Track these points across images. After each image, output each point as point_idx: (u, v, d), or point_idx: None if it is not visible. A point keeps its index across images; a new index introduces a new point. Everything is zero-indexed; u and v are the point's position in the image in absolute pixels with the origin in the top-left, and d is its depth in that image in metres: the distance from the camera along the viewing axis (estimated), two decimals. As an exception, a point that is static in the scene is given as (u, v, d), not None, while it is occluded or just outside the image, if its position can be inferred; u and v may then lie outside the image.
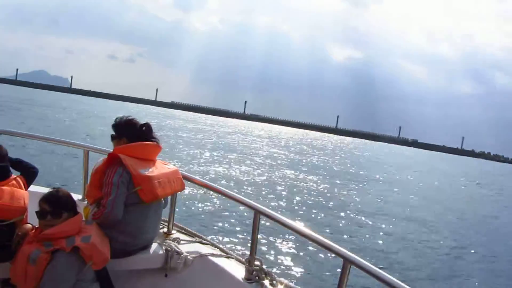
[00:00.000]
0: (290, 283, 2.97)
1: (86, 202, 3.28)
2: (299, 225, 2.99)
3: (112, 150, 3.08)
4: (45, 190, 3.02)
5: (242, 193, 14.84)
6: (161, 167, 3.16)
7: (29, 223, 2.86)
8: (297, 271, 9.11)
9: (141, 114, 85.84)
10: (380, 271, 2.24)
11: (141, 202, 2.93)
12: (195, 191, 13.66)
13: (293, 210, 15.29)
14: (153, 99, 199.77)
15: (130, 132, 3.13)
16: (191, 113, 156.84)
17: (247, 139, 57.54)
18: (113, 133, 3.17)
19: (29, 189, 3.09)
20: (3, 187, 2.75)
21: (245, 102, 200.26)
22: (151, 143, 3.14)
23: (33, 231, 2.72)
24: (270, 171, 25.40)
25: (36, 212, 2.63)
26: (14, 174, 3.04)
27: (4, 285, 2.75)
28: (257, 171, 24.52)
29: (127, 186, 2.88)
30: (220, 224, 11.61)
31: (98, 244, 2.58)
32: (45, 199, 2.65)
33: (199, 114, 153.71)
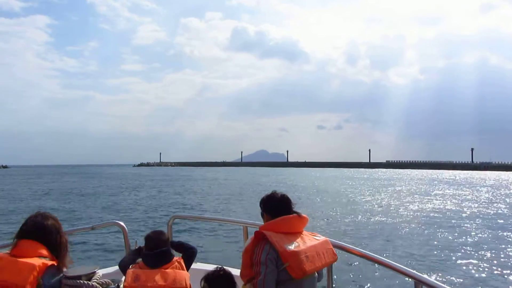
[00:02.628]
0: None
1: None
2: None
3: None
4: (211, 267, 3.42)
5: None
6: (308, 240, 3.06)
7: None
8: None
9: (354, 176, 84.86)
10: None
11: (292, 279, 2.86)
12: (352, 260, 12.33)
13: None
14: (367, 161, 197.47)
15: (269, 207, 3.21)
16: (409, 170, 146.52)
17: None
18: (261, 210, 3.28)
19: (196, 266, 3.57)
20: (167, 270, 3.01)
21: (472, 149, 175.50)
22: (294, 215, 3.10)
23: None
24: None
25: None
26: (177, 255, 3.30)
27: None
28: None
29: (275, 263, 2.87)
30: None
31: None
32: (205, 278, 3.12)
33: (417, 171, 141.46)
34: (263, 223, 3.25)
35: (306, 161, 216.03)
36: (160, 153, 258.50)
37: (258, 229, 3.10)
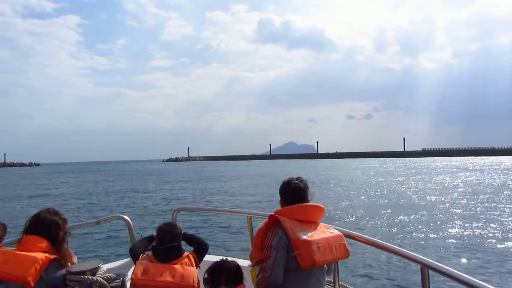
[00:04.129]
0: None
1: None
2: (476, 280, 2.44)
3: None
4: (215, 259, 3.23)
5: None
6: (322, 231, 3.03)
7: None
8: None
9: (388, 168, 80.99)
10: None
11: (301, 268, 2.88)
12: (364, 250, 11.75)
13: None
14: (401, 150, 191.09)
15: (284, 193, 3.18)
16: (448, 158, 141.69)
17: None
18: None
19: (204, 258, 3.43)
20: (175, 265, 3.05)
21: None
22: (312, 204, 3.10)
23: None
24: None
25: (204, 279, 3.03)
26: (188, 250, 3.31)
27: None
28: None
29: (286, 249, 2.89)
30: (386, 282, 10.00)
31: None
32: (208, 270, 3.07)
33: (456, 158, 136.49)
34: (268, 214, 3.30)
35: (337, 151, 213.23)
36: (189, 148, 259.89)
37: (265, 218, 3.20)
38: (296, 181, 3.17)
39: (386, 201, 26.19)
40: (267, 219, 3.06)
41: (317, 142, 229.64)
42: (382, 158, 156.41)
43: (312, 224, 3.03)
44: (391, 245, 3.14)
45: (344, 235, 3.16)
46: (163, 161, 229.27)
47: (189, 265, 3.12)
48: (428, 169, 68.93)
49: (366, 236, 3.37)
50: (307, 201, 3.11)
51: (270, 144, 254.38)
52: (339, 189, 35.31)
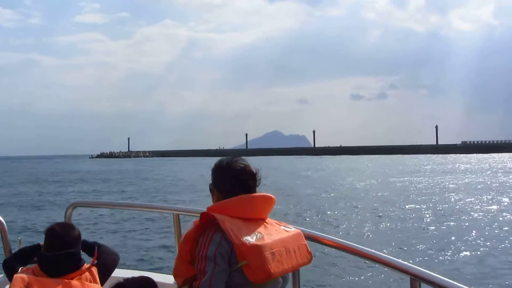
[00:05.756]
0: None
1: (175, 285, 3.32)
2: None
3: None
4: (131, 274, 3.48)
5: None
6: (275, 231, 3.00)
7: None
8: None
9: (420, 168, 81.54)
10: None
11: (250, 284, 2.80)
12: (328, 254, 12.85)
13: None
14: (434, 143, 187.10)
15: (221, 181, 3.10)
16: (499, 154, 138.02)
17: None
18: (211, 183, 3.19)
19: (112, 273, 3.54)
20: (72, 281, 3.09)
21: None
22: (259, 194, 3.04)
23: None
24: None
25: None
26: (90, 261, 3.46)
27: None
28: None
29: (228, 260, 2.81)
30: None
31: None
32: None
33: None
34: (201, 209, 3.25)
35: (342, 145, 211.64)
36: (129, 139, 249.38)
37: (196, 215, 3.45)
38: (241, 162, 3.11)
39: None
40: (197, 220, 2.96)
41: (314, 132, 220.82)
42: (404, 155, 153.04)
43: (260, 221, 2.97)
44: (368, 250, 3.30)
45: (309, 238, 3.29)
46: (91, 157, 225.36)
47: (91, 281, 3.20)
48: None
49: (332, 237, 3.54)
50: (254, 191, 3.04)
51: (246, 134, 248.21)
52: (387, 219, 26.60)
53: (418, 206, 30.38)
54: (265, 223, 2.98)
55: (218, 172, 3.10)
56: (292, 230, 3.07)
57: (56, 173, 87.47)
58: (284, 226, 3.08)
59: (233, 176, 3.02)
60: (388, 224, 23.56)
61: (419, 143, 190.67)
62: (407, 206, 30.41)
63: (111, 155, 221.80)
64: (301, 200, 34.54)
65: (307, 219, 26.05)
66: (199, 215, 2.97)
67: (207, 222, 2.86)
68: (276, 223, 3.08)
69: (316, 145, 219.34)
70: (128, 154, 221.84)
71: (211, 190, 3.15)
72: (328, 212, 28.31)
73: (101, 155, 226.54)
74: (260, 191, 3.07)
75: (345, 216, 26.56)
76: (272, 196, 3.04)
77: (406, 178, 55.02)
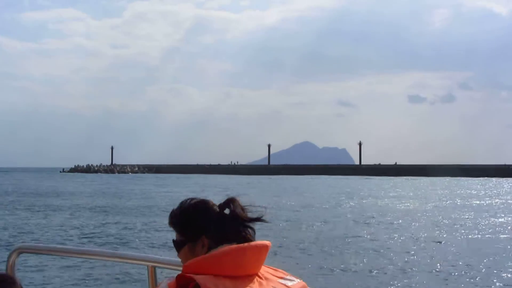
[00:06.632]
0: None
1: None
2: None
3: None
4: None
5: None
6: (271, 287, 2.79)
7: None
8: None
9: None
10: None
11: None
12: None
13: None
14: None
15: (196, 230, 2.90)
16: None
17: None
18: (175, 235, 3.03)
19: None
20: None
21: None
22: (249, 244, 2.77)
23: None
24: None
25: None
26: None
27: None
28: None
29: None
30: None
31: None
32: None
33: None
34: (180, 260, 3.08)
35: (397, 163, 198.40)
36: (112, 148, 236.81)
37: (175, 269, 3.39)
38: (231, 201, 2.94)
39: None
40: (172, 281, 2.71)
41: (360, 144, 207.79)
42: (486, 177, 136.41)
43: (252, 277, 2.77)
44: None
45: None
46: (62, 171, 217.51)
47: None
48: None
49: None
50: (243, 238, 2.87)
51: (269, 145, 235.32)
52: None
53: None
54: (258, 279, 2.77)
55: (200, 213, 3.00)
56: (295, 282, 2.84)
57: (8, 193, 77.91)
58: (282, 278, 2.84)
59: (218, 217, 2.95)
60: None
61: (505, 163, 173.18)
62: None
63: (88, 169, 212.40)
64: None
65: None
66: (180, 268, 2.85)
67: (185, 285, 2.64)
68: (273, 274, 2.84)
69: (362, 162, 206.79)
70: (111, 169, 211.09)
71: (178, 244, 2.99)
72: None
73: (76, 169, 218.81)
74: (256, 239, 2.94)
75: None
76: (264, 243, 2.81)
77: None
